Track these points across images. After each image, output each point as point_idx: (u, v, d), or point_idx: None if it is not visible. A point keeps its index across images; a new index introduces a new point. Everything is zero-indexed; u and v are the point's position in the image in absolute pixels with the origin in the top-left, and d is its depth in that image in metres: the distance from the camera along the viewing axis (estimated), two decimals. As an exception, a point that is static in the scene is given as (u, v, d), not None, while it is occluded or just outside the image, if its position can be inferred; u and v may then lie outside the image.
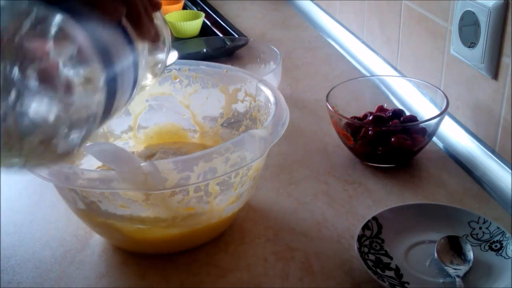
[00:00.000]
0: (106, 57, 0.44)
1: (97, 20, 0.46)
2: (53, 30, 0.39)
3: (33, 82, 0.39)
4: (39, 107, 0.39)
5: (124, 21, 0.50)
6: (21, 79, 0.38)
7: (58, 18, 0.40)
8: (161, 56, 0.62)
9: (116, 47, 0.47)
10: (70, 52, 0.40)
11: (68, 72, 0.40)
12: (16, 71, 0.38)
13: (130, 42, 0.50)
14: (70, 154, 0.43)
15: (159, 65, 0.63)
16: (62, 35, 0.40)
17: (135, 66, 0.51)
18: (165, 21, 0.62)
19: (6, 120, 0.39)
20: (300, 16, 1.46)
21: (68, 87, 0.40)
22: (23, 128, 0.40)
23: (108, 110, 0.45)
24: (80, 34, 0.41)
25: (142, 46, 0.54)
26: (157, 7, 0.57)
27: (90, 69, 0.41)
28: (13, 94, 0.38)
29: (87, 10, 0.46)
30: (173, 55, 0.64)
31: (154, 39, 0.56)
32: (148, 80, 0.63)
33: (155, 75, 0.64)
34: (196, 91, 0.81)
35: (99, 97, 0.42)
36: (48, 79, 0.39)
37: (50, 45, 0.39)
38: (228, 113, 0.80)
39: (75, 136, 0.42)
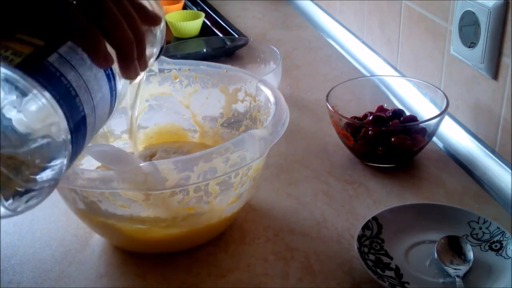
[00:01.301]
0: (71, 109, 0.43)
1: (85, 64, 0.46)
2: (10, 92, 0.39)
3: None
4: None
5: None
6: None
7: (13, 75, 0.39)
8: (152, 51, 0.61)
9: (87, 89, 0.46)
10: (30, 106, 0.40)
11: (27, 128, 0.40)
12: None
13: (110, 77, 0.49)
14: (40, 201, 0.43)
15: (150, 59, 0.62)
16: (20, 92, 0.39)
17: (112, 96, 0.50)
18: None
19: None
20: (300, 16, 1.46)
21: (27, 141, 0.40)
22: None
23: (77, 149, 0.45)
24: (40, 89, 0.40)
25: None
26: (156, 22, 0.54)
27: (52, 123, 0.41)
28: None
29: (77, 53, 0.46)
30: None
31: (142, 70, 0.53)
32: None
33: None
34: (196, 91, 0.81)
35: (64, 146, 0.42)
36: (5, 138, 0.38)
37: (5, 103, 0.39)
38: (228, 113, 0.80)
39: (40, 186, 0.42)
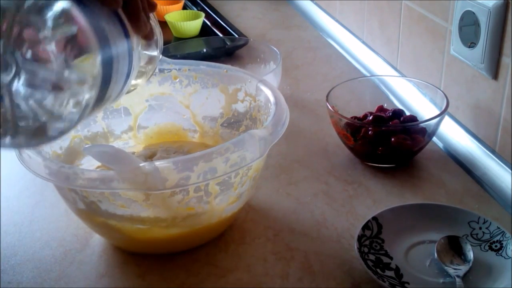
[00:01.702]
0: (104, 43, 0.44)
1: (95, 7, 0.47)
2: (54, 12, 0.40)
3: (31, 63, 0.39)
4: (36, 90, 0.40)
5: (122, 15, 0.51)
6: (21, 58, 0.39)
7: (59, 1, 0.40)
8: (153, 54, 0.62)
9: (113, 34, 0.47)
10: (70, 34, 0.40)
11: (66, 54, 0.40)
12: (16, 51, 0.38)
13: (126, 34, 0.51)
14: (60, 137, 0.44)
15: (150, 66, 0.63)
16: (64, 18, 0.40)
17: (130, 57, 0.52)
18: (156, 21, 0.63)
19: (3, 101, 0.39)
20: (300, 16, 1.46)
21: (66, 69, 0.40)
22: (19, 112, 0.40)
23: (101, 97, 0.45)
24: (81, 18, 0.41)
25: (137, 41, 0.55)
26: (152, 7, 0.58)
27: (88, 53, 0.42)
28: (10, 74, 0.39)
29: None
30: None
31: (149, 36, 0.58)
32: (139, 80, 0.63)
33: (146, 74, 0.64)
34: (196, 91, 0.81)
35: (95, 81, 0.43)
36: (47, 60, 0.39)
37: (50, 26, 0.39)
38: (228, 113, 0.80)
39: (67, 119, 0.42)
